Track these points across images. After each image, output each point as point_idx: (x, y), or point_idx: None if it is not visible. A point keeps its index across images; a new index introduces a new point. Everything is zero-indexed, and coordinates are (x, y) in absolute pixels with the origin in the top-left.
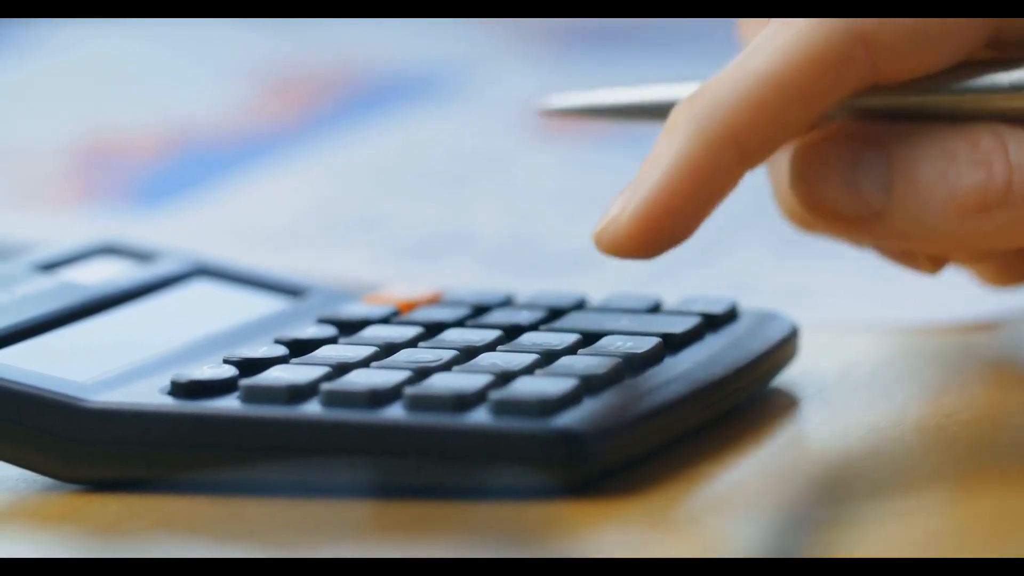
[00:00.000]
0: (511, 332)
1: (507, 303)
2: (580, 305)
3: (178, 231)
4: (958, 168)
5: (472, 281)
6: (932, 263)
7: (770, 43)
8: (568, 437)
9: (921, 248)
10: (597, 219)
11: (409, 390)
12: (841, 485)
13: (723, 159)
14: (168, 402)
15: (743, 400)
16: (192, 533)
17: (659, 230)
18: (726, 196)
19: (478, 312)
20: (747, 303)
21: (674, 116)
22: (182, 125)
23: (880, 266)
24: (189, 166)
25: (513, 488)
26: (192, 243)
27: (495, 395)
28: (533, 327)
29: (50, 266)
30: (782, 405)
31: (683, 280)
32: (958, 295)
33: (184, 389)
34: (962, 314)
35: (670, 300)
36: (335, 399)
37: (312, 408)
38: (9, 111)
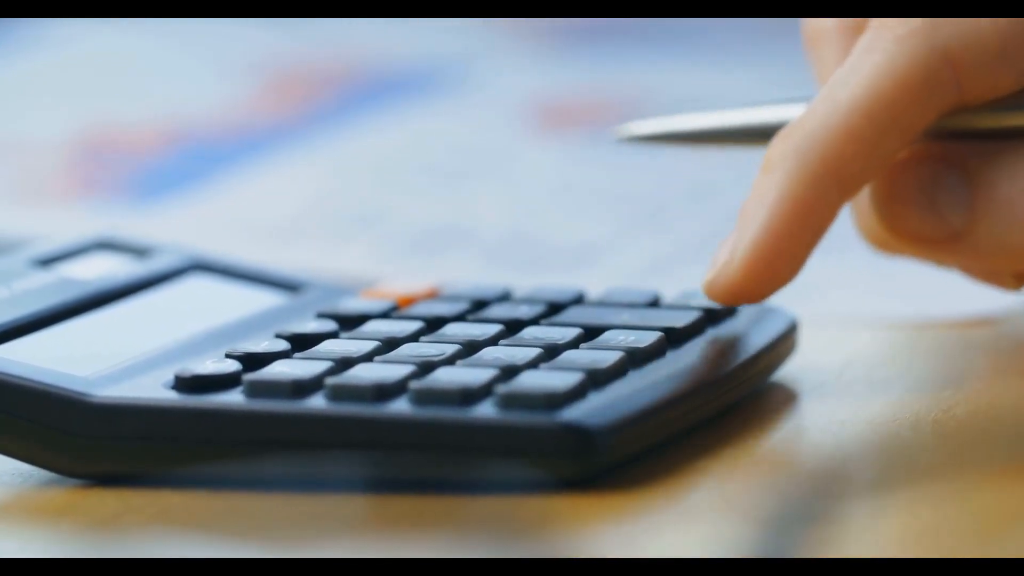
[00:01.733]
0: (512, 327)
1: (505, 297)
2: (579, 300)
3: (178, 226)
4: None
5: (472, 276)
6: (1017, 280)
7: (857, 71)
8: (576, 430)
9: (1006, 267)
10: (707, 268)
11: (414, 384)
12: (839, 479)
13: (825, 194)
14: (172, 396)
15: (744, 394)
16: (189, 528)
17: (770, 273)
18: (828, 229)
19: (477, 307)
20: None
21: (770, 154)
22: (182, 120)
23: (879, 262)
24: (189, 161)
25: (518, 482)
26: (192, 238)
27: (501, 388)
28: (534, 321)
29: (47, 261)
30: (781, 399)
31: (680, 275)
32: (956, 291)
33: (188, 383)
34: (960, 310)
35: (668, 295)
36: (340, 393)
37: (317, 402)
38: (9, 106)
